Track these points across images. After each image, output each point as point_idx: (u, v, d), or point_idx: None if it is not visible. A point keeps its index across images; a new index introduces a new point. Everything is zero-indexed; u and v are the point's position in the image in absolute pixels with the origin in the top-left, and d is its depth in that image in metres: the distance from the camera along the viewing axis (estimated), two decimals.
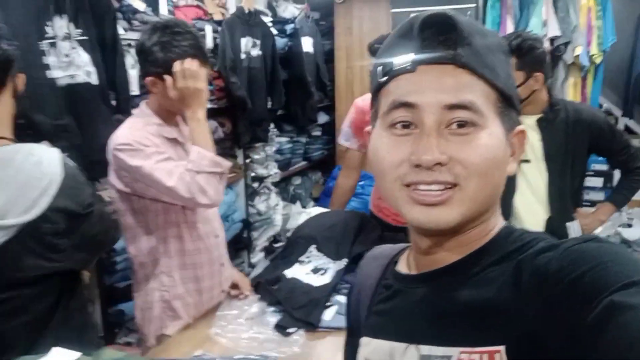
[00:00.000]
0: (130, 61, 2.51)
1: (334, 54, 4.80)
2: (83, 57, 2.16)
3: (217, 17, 3.24)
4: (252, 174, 3.69)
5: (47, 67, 2.06)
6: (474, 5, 3.58)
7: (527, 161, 2.24)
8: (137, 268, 1.78)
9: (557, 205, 2.20)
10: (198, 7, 3.07)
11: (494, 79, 0.64)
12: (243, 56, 3.33)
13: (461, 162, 0.62)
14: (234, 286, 1.95)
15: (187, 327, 1.74)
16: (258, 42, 3.47)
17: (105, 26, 2.26)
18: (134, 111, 1.78)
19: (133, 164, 1.59)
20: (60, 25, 2.10)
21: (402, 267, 0.77)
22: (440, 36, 0.63)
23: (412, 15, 0.66)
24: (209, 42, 3.06)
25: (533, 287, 0.58)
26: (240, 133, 3.40)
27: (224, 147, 3.46)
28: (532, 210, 2.24)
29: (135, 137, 1.62)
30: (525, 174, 2.24)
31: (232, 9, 3.38)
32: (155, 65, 1.64)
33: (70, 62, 2.13)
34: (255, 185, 3.75)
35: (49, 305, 1.34)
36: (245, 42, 3.34)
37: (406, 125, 0.65)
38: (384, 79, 0.67)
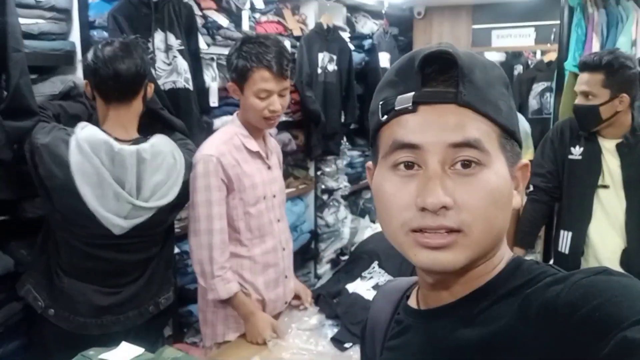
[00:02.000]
0: (212, 74, 2.65)
1: None
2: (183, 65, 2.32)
3: (297, 32, 3.32)
4: (322, 186, 3.74)
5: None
6: (558, 22, 3.45)
7: (605, 187, 2.13)
8: None
9: (636, 236, 2.08)
10: (279, 22, 3.17)
11: (496, 116, 0.63)
12: (319, 71, 3.41)
13: (467, 207, 0.61)
14: (296, 297, 1.99)
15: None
16: (335, 57, 3.53)
17: (192, 39, 2.41)
18: (229, 119, 1.88)
19: (196, 182, 1.73)
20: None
21: (413, 302, 0.76)
22: (441, 75, 0.62)
23: (417, 48, 0.66)
24: None
25: (542, 322, 0.57)
26: (312, 146, 3.46)
27: (296, 158, 3.54)
28: (607, 240, 2.13)
29: (220, 150, 1.72)
30: (602, 201, 2.14)
31: (311, 25, 3.47)
32: (233, 71, 1.75)
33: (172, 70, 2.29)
34: (325, 197, 3.79)
35: (159, 248, 1.84)
36: (322, 57, 3.41)
37: (410, 165, 0.63)
38: (384, 118, 0.65)
